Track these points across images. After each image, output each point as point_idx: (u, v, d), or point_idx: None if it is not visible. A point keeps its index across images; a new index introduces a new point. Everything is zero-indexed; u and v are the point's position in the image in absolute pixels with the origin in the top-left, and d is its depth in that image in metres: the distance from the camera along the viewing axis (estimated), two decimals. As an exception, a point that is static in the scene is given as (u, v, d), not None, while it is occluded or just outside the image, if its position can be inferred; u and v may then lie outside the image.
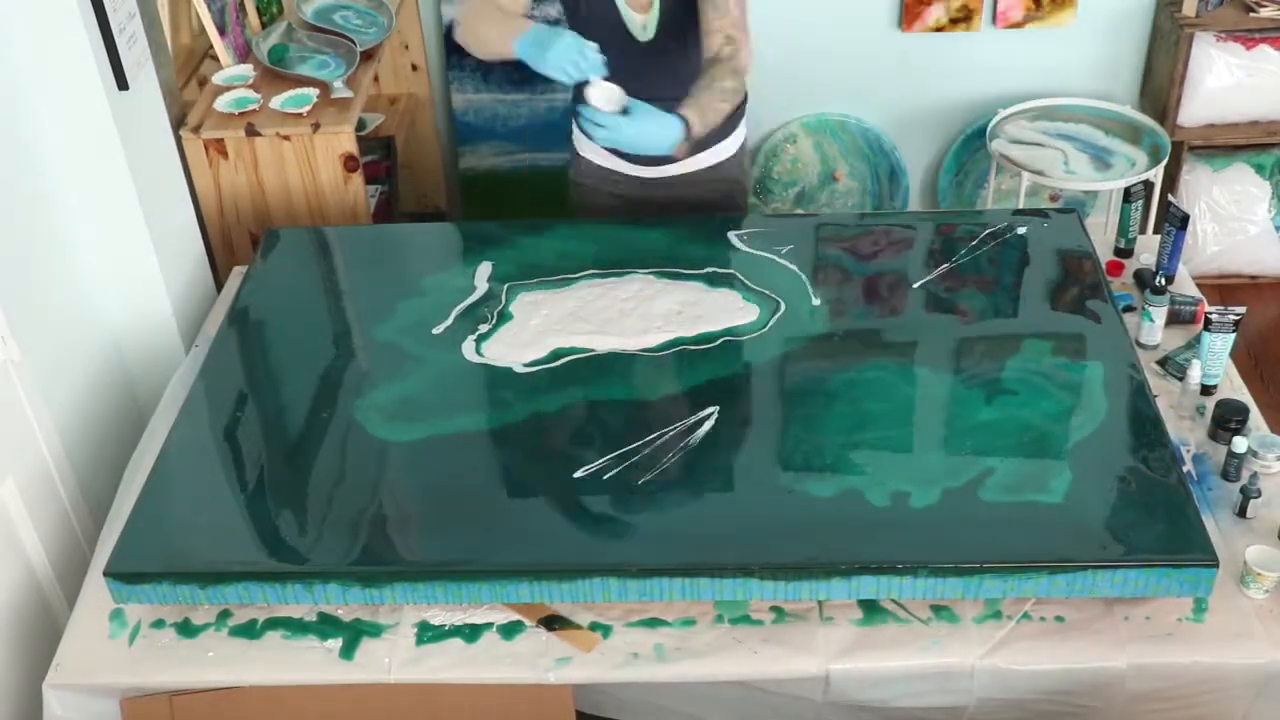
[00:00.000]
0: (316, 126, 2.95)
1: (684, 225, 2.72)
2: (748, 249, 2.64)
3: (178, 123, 2.94)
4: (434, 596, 1.99)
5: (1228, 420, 2.23)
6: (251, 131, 2.95)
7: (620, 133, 2.26)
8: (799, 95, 4.00)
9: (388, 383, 2.33)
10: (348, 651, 1.99)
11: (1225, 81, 3.69)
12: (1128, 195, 2.74)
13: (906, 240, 2.68)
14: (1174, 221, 2.56)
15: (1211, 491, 2.15)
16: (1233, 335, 2.31)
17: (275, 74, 3.16)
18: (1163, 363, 2.43)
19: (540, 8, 3.80)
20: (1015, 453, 2.10)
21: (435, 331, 2.45)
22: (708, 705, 2.07)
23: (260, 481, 2.16)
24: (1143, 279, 2.64)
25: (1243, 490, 2.09)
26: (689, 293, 2.51)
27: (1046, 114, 3.80)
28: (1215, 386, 2.35)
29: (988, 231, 2.66)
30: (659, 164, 2.66)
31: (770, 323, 2.43)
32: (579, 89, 2.46)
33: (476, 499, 2.11)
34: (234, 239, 3.11)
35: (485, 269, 2.61)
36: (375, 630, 2.02)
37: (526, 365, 2.34)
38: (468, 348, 2.40)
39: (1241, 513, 2.10)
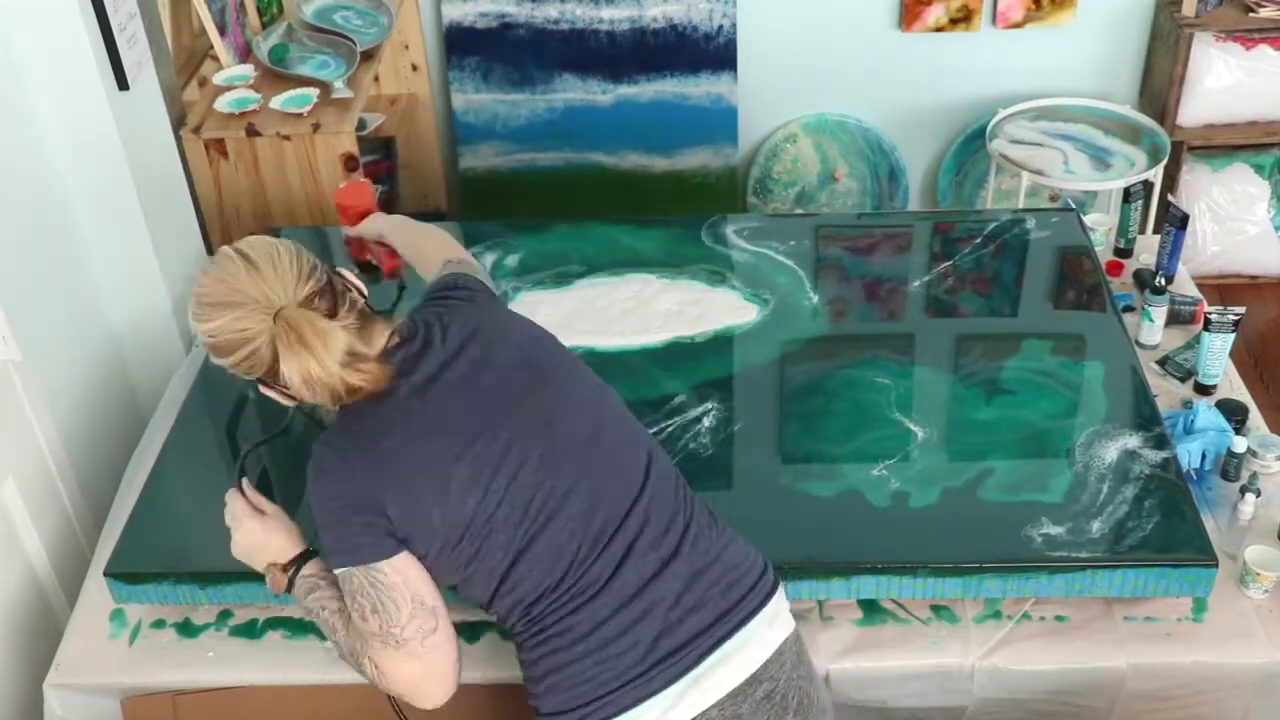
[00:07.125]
0: (317, 126, 2.95)
1: (684, 225, 2.72)
2: (747, 248, 2.64)
3: (178, 123, 2.94)
4: (434, 596, 1.99)
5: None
6: (252, 131, 2.94)
7: None
8: (799, 95, 4.00)
9: (388, 383, 2.32)
10: (348, 651, 1.99)
11: (1225, 81, 3.69)
12: (1127, 195, 2.74)
13: (906, 240, 2.68)
14: (1174, 221, 2.56)
15: (1211, 491, 2.15)
16: (1232, 335, 2.31)
17: (275, 74, 3.15)
18: (1163, 363, 2.43)
19: (540, 7, 3.81)
20: (1015, 453, 2.11)
21: (435, 331, 2.44)
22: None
23: (260, 481, 2.15)
24: (1142, 279, 2.64)
25: (1243, 490, 2.09)
26: (689, 293, 2.51)
27: (1046, 114, 3.79)
28: (1215, 386, 2.35)
29: (988, 231, 2.66)
30: None
31: (770, 322, 2.43)
32: None
33: (476, 499, 2.11)
34: (234, 239, 3.10)
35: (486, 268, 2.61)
36: (375, 630, 2.01)
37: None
38: (468, 348, 2.39)
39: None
